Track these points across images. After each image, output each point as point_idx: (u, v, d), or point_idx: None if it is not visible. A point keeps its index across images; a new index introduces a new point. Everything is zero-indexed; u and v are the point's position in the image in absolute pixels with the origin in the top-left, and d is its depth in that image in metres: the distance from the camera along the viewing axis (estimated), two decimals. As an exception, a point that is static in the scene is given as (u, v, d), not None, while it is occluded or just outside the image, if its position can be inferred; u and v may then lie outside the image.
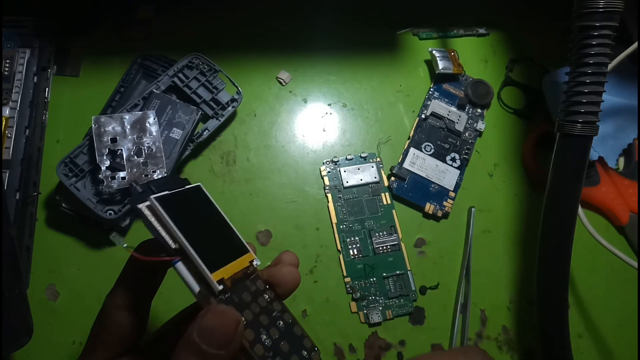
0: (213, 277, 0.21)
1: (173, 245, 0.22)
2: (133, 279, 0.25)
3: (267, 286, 0.25)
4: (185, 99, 0.40)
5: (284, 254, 0.27)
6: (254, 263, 0.25)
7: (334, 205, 0.41)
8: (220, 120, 0.41)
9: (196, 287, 0.22)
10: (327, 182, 0.42)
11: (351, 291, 0.39)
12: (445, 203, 0.42)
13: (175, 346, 0.21)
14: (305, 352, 0.23)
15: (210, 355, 0.20)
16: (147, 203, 0.23)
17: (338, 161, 0.43)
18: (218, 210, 0.26)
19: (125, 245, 0.24)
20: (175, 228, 0.22)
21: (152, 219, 0.22)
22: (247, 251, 0.25)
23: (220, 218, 0.26)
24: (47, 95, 0.41)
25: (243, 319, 0.21)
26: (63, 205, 0.37)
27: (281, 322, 0.24)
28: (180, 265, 0.22)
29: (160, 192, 0.23)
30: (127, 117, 0.37)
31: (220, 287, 0.22)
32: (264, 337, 0.22)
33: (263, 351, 0.21)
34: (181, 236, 0.22)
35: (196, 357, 0.20)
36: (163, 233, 0.22)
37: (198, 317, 0.21)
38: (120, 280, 0.25)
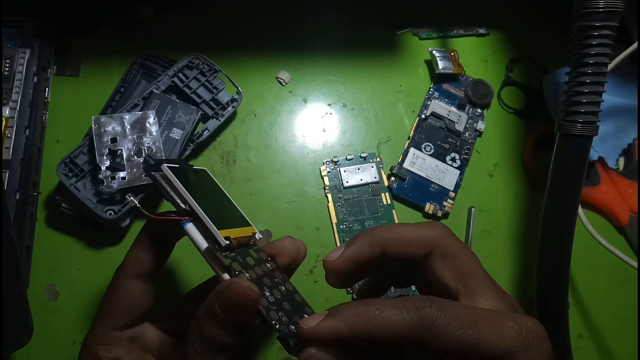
0: (221, 234, 0.23)
1: (183, 206, 0.24)
2: (143, 249, 0.26)
3: (269, 258, 0.26)
4: (185, 99, 0.40)
5: (286, 237, 0.28)
6: (257, 236, 0.26)
7: (334, 205, 0.41)
8: (220, 120, 0.41)
9: (204, 244, 0.23)
10: (327, 182, 0.42)
11: (351, 291, 0.39)
12: (445, 203, 0.42)
13: (189, 319, 0.22)
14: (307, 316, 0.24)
15: (233, 326, 0.21)
16: (160, 172, 0.25)
17: (338, 161, 0.43)
18: (222, 190, 0.28)
19: (138, 202, 0.26)
20: (185, 191, 0.24)
21: (164, 184, 0.25)
22: (249, 225, 0.27)
23: (224, 196, 0.28)
24: (47, 95, 0.41)
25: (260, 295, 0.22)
26: (63, 205, 0.37)
27: (283, 288, 0.24)
28: (190, 226, 0.23)
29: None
30: (127, 117, 0.37)
31: (227, 242, 0.23)
32: (268, 293, 0.23)
33: (267, 304, 0.22)
34: (191, 197, 0.24)
35: (220, 328, 0.21)
36: (174, 195, 0.24)
37: (218, 288, 0.21)
38: (131, 253, 0.27)
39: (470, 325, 0.20)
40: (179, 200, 0.24)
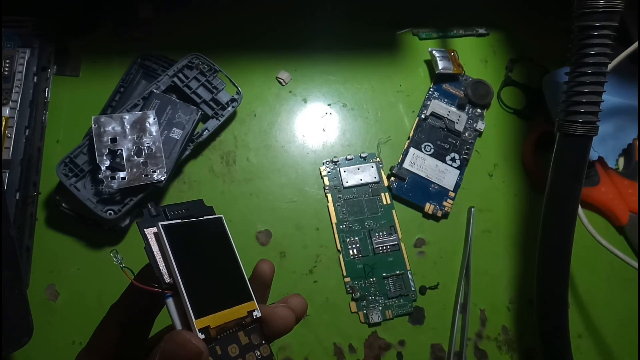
0: (197, 324, 0.20)
1: (167, 280, 0.21)
2: (131, 301, 0.25)
3: (264, 341, 0.23)
4: (185, 99, 0.40)
5: (293, 297, 0.25)
6: (254, 314, 0.23)
7: (334, 205, 0.41)
8: (220, 120, 0.41)
9: (179, 327, 0.21)
10: (327, 182, 0.42)
11: (351, 291, 0.39)
12: (445, 203, 0.42)
13: None
14: None
15: None
16: (154, 229, 0.22)
17: (338, 161, 0.43)
18: (233, 248, 0.25)
19: (122, 265, 0.23)
20: (174, 262, 0.21)
21: (155, 247, 0.21)
22: (249, 299, 0.23)
23: (232, 258, 0.24)
24: (47, 95, 0.41)
25: (205, 351, 0.20)
26: (63, 205, 0.37)
27: None
28: (170, 301, 0.21)
29: (173, 220, 0.22)
30: (127, 117, 0.37)
31: (202, 336, 0.20)
32: None
33: None
34: (177, 273, 0.21)
35: None
36: (160, 265, 0.21)
37: (162, 341, 0.20)
38: (122, 298, 0.25)
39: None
40: (164, 273, 0.21)
